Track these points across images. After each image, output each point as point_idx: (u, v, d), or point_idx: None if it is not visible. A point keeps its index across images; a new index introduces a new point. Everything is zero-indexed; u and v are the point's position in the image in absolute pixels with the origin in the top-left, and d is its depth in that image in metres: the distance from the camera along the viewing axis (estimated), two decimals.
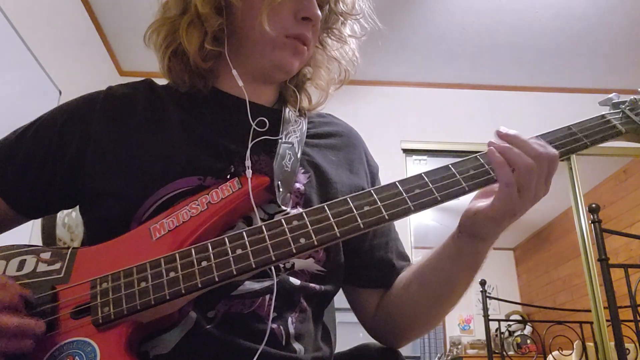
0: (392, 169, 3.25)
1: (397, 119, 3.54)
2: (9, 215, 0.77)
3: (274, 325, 0.67)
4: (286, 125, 0.80)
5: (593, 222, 2.31)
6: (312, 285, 0.73)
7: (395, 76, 3.61)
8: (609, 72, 3.51)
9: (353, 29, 0.90)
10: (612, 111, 0.73)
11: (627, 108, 0.73)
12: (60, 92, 2.57)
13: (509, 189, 0.62)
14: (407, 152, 3.45)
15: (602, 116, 0.72)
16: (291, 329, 0.69)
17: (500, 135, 0.65)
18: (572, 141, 0.68)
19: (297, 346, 0.70)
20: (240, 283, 0.66)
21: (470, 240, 0.68)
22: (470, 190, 0.64)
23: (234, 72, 0.79)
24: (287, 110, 0.84)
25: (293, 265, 0.71)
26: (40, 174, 0.75)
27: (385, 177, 0.89)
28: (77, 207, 0.81)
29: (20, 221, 0.79)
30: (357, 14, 0.87)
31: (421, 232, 4.78)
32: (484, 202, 0.65)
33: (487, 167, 0.65)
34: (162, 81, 0.86)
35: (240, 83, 0.78)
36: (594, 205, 2.35)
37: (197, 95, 0.81)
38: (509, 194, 0.62)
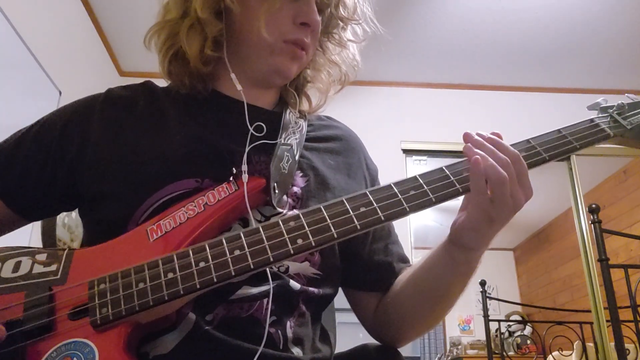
0: (392, 169, 3.25)
1: (397, 120, 3.55)
2: (9, 217, 0.77)
3: (272, 330, 0.67)
4: (285, 127, 0.80)
5: (593, 222, 2.31)
6: (311, 289, 0.73)
7: (395, 77, 3.61)
8: (609, 73, 3.51)
9: (354, 32, 0.90)
10: (600, 115, 0.75)
11: (615, 112, 0.74)
12: (60, 93, 2.57)
13: (480, 198, 0.62)
14: (407, 152, 3.46)
15: (591, 120, 0.73)
16: (289, 333, 0.69)
17: (471, 140, 0.65)
18: (562, 144, 0.69)
19: (295, 350, 0.70)
20: (239, 287, 0.66)
21: (459, 249, 0.68)
22: (464, 191, 0.64)
23: (232, 76, 0.79)
24: (288, 112, 0.84)
25: (288, 268, 0.71)
26: (41, 176, 0.75)
27: (386, 178, 0.89)
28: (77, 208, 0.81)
29: (20, 223, 0.79)
30: (358, 19, 0.87)
31: (421, 232, 4.78)
32: (464, 214, 0.65)
33: None
34: (162, 82, 0.86)
35: (239, 87, 0.78)
36: (594, 206, 2.35)
37: (197, 98, 0.81)
38: (481, 203, 0.62)
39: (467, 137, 0.66)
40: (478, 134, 0.66)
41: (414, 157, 3.50)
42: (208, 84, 0.82)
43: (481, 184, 0.62)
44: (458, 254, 0.68)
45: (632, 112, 0.74)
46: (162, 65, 0.82)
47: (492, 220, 0.63)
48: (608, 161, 4.46)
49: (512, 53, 3.35)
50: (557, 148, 0.68)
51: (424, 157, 3.51)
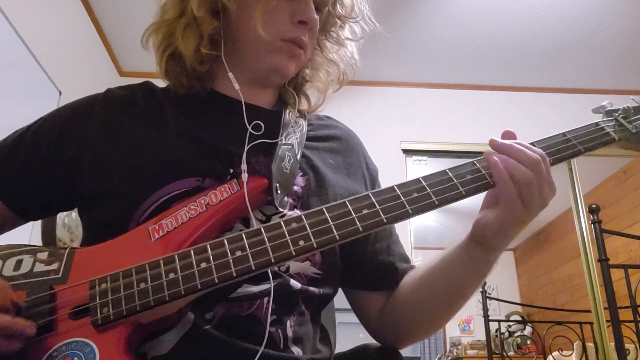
0: (392, 169, 3.25)
1: (397, 119, 3.54)
2: (7, 217, 0.77)
3: (272, 329, 0.67)
4: (285, 127, 0.80)
5: (593, 222, 2.31)
6: (311, 288, 0.73)
7: (395, 76, 3.61)
8: (609, 72, 3.51)
9: (353, 31, 0.90)
10: (605, 119, 0.75)
11: (620, 116, 0.74)
12: (60, 93, 2.57)
13: (512, 203, 0.62)
14: (407, 152, 3.45)
15: (596, 124, 0.73)
16: (289, 333, 0.69)
17: (495, 145, 0.65)
18: (566, 148, 0.69)
19: (295, 349, 0.70)
20: (239, 285, 0.66)
21: (482, 250, 0.68)
22: (468, 194, 0.64)
23: (230, 75, 0.79)
24: (287, 112, 0.84)
25: (288, 268, 0.71)
26: (39, 176, 0.75)
27: (385, 178, 0.89)
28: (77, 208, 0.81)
29: (19, 223, 0.79)
30: (355, 17, 0.87)
31: (421, 232, 4.78)
32: (492, 214, 0.65)
33: (483, 172, 0.65)
34: (161, 82, 0.86)
35: (237, 86, 0.78)
36: (594, 206, 2.35)
37: (196, 97, 0.81)
38: (513, 207, 0.62)
39: (492, 143, 0.66)
40: (504, 137, 0.66)
41: (414, 157, 3.49)
42: (206, 83, 0.82)
43: (510, 188, 0.62)
44: (480, 254, 0.68)
45: (638, 116, 0.74)
46: (159, 65, 0.82)
47: (522, 221, 0.64)
48: (608, 161, 4.46)
49: (512, 53, 3.35)
50: (562, 152, 0.69)
51: (424, 157, 3.50)
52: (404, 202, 0.63)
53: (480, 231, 0.66)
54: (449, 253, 0.73)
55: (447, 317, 0.78)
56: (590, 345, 3.50)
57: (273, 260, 0.59)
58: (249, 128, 0.76)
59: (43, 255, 0.64)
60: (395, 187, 0.64)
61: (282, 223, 0.61)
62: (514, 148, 0.64)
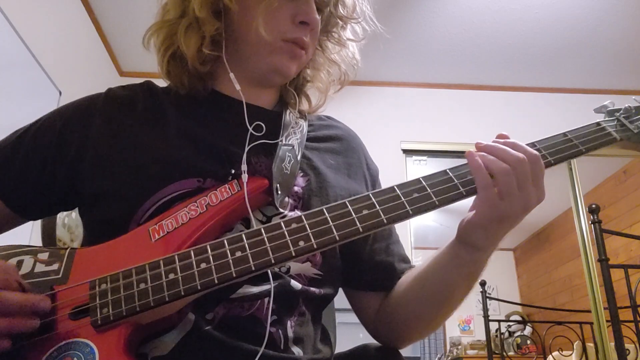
0: (392, 169, 3.25)
1: (397, 119, 3.54)
2: (8, 216, 0.77)
3: (273, 329, 0.67)
4: (286, 127, 0.80)
5: (593, 222, 2.31)
6: (312, 289, 0.73)
7: (395, 77, 3.61)
8: (609, 72, 3.51)
9: (354, 31, 0.90)
10: (607, 119, 0.74)
11: (622, 116, 0.74)
12: (60, 93, 2.57)
13: (487, 193, 0.62)
14: (407, 152, 3.45)
15: (598, 123, 0.73)
16: (290, 333, 0.69)
17: (479, 147, 0.66)
18: (568, 147, 0.69)
19: (296, 350, 0.70)
20: (240, 286, 0.66)
21: (466, 249, 0.68)
22: (468, 194, 0.64)
23: (232, 75, 0.79)
24: (288, 112, 0.84)
25: (289, 269, 0.71)
26: (40, 175, 0.75)
27: (385, 178, 0.89)
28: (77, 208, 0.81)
29: (18, 222, 0.79)
30: (357, 18, 0.87)
31: (421, 232, 4.79)
32: (473, 211, 0.65)
33: None
34: (162, 82, 0.86)
35: (238, 87, 0.78)
36: (594, 206, 2.35)
37: (197, 98, 0.81)
38: (488, 198, 0.62)
39: (477, 145, 0.66)
40: (494, 140, 0.66)
41: (414, 157, 3.49)
42: (207, 83, 0.82)
43: (483, 178, 0.62)
44: (464, 253, 0.68)
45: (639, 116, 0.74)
46: (160, 65, 0.82)
47: (501, 217, 0.63)
48: (608, 161, 4.46)
49: (512, 53, 3.35)
50: (563, 152, 0.68)
51: (424, 157, 3.50)
52: (404, 202, 0.63)
53: (463, 229, 0.66)
54: (439, 254, 0.73)
55: (441, 317, 0.78)
56: (590, 345, 3.50)
57: (273, 261, 0.59)
58: (250, 128, 0.76)
59: (43, 256, 0.64)
60: (395, 187, 0.64)
61: (282, 223, 0.61)
62: (497, 147, 0.64)
